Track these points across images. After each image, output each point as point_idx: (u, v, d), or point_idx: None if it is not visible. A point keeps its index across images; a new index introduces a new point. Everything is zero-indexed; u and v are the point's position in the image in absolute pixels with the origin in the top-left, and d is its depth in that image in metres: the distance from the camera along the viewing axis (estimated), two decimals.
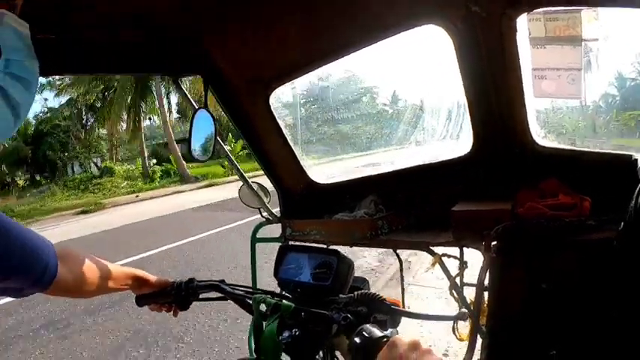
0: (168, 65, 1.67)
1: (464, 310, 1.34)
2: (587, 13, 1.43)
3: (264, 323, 1.28)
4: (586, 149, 1.48)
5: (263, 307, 1.29)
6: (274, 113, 1.84)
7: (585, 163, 1.45)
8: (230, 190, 15.77)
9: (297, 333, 1.26)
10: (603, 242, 1.22)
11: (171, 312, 1.54)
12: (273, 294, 1.37)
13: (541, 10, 1.45)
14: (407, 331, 1.13)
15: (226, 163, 21.91)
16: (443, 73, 1.72)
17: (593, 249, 1.26)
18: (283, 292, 1.53)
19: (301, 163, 1.99)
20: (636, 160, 1.30)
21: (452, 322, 1.42)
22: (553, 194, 1.40)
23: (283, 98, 2.02)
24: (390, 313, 1.23)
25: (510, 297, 1.37)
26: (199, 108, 1.67)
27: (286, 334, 1.27)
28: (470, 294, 1.48)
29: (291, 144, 1.93)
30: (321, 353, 1.37)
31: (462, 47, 1.42)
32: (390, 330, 1.05)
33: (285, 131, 1.90)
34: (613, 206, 1.19)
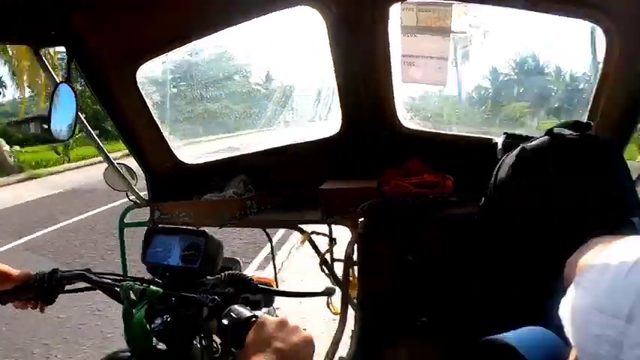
0: (28, 33, 1.43)
1: (330, 285, 1.40)
2: (457, 7, 1.54)
3: (134, 311, 1.20)
4: (449, 132, 1.60)
5: (133, 295, 1.21)
6: (141, 90, 1.69)
7: (449, 145, 1.57)
8: (52, 185, 13.01)
9: (168, 319, 1.20)
10: (465, 217, 1.33)
11: (38, 308, 1.36)
12: (142, 280, 1.29)
13: (414, 0, 1.52)
14: (287, 309, 1.14)
15: (61, 147, 18.86)
16: (315, 55, 1.73)
17: (455, 223, 1.37)
18: (154, 278, 1.44)
19: (169, 143, 1.87)
20: (496, 143, 1.42)
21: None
22: (418, 173, 1.50)
23: (151, 75, 1.87)
24: (258, 293, 1.23)
25: (378, 270, 1.45)
26: (60, 82, 1.47)
27: (158, 321, 1.20)
28: (341, 269, 1.55)
29: (159, 123, 1.80)
30: (198, 338, 1.32)
31: (334, 30, 1.43)
32: (263, 309, 1.04)
33: (152, 110, 1.76)
34: (474, 184, 1.29)
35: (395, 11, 1.49)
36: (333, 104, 1.67)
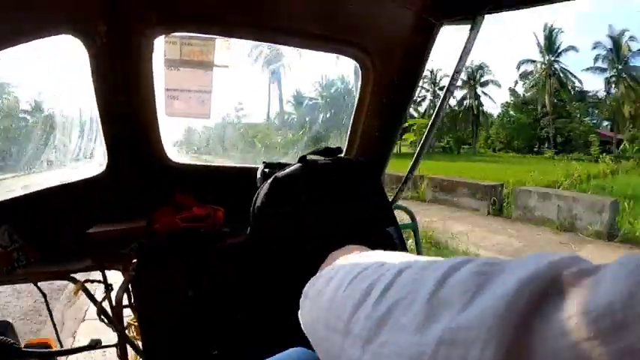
0: None
1: (95, 338, 1.29)
2: (221, 41, 1.58)
3: None
4: (218, 164, 1.62)
5: None
6: None
7: (218, 176, 1.59)
8: None
9: None
10: (237, 246, 1.34)
11: None
12: None
13: (178, 34, 1.52)
14: None
15: None
16: (80, 85, 1.61)
17: (229, 254, 1.38)
18: None
19: None
20: (256, 170, 1.48)
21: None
22: (188, 208, 1.48)
23: None
24: (23, 357, 1.09)
25: (158, 312, 1.39)
26: None
27: None
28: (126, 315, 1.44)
29: None
30: None
31: (98, 61, 1.36)
32: None
33: None
34: (244, 214, 1.32)
35: (159, 44, 1.47)
36: (97, 140, 1.56)
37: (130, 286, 1.39)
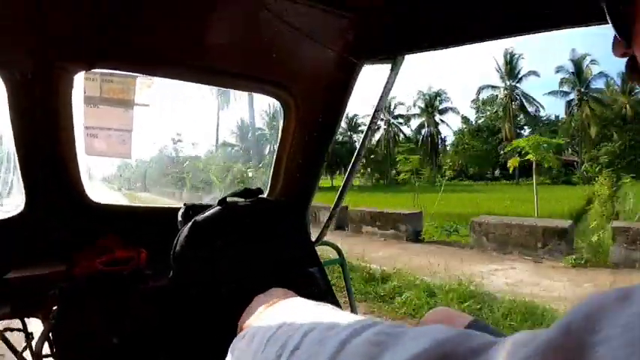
0: None
1: None
2: (142, 80, 1.56)
3: None
4: (140, 204, 1.60)
5: None
6: None
7: (141, 217, 1.57)
8: None
9: None
10: (160, 289, 1.33)
11: None
12: None
13: (98, 70, 1.49)
14: None
15: None
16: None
17: (152, 296, 1.36)
18: None
19: None
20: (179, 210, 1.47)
21: None
22: (110, 250, 1.46)
23: None
24: None
25: (81, 357, 1.36)
26: None
27: None
28: None
29: None
30: None
31: (15, 97, 1.33)
32: None
33: None
34: (168, 255, 1.32)
35: (79, 81, 1.44)
36: (15, 179, 1.51)
37: (50, 334, 1.36)
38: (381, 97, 1.59)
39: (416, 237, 10.86)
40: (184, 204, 1.44)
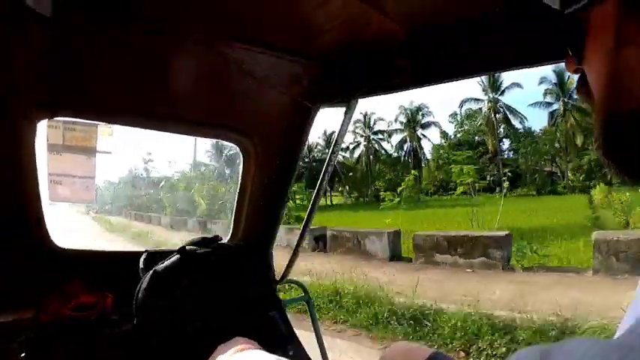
0: None
1: None
2: (102, 128, 1.60)
3: None
4: (106, 249, 1.64)
5: None
6: None
7: (106, 262, 1.60)
8: None
9: None
10: (125, 334, 1.36)
11: None
12: None
13: (61, 119, 1.52)
14: None
15: None
16: None
17: (117, 343, 1.39)
18: None
19: None
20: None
21: None
22: (76, 295, 1.49)
23: None
24: None
25: None
26: None
27: None
28: None
29: None
30: None
31: None
32: None
33: None
34: (133, 299, 1.35)
35: (42, 128, 1.47)
36: None
37: None
38: (337, 139, 1.66)
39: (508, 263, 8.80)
40: (146, 250, 1.49)
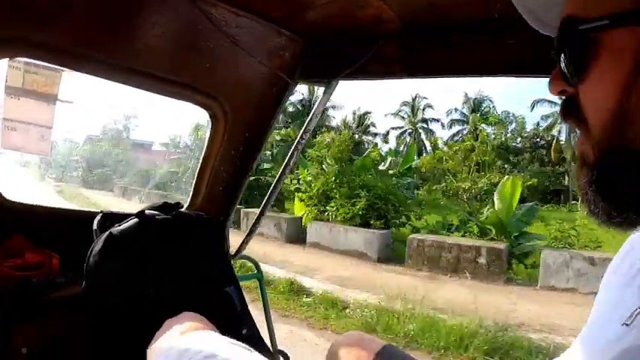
0: None
1: None
2: (67, 74, 1.49)
3: None
4: (53, 206, 1.55)
5: None
6: None
7: (53, 219, 1.51)
8: None
9: None
10: (72, 299, 1.28)
11: None
12: None
13: (23, 59, 1.42)
14: None
15: None
16: None
17: (63, 307, 1.31)
18: None
19: None
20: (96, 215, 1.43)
21: None
22: (20, 252, 1.40)
23: None
24: None
25: None
26: None
27: None
28: None
29: None
30: None
31: None
32: None
33: None
34: (82, 262, 1.29)
35: (2, 67, 1.36)
36: None
37: None
38: (311, 118, 1.63)
39: None
40: (101, 212, 1.41)
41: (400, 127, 46.02)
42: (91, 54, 1.37)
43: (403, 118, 45.89)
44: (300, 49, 1.55)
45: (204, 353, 0.67)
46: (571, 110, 0.50)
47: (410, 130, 44.88)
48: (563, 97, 0.52)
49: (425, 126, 45.13)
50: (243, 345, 0.72)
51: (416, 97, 44.64)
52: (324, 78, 1.58)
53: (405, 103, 45.80)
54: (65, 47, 1.34)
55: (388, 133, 46.83)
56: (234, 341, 0.74)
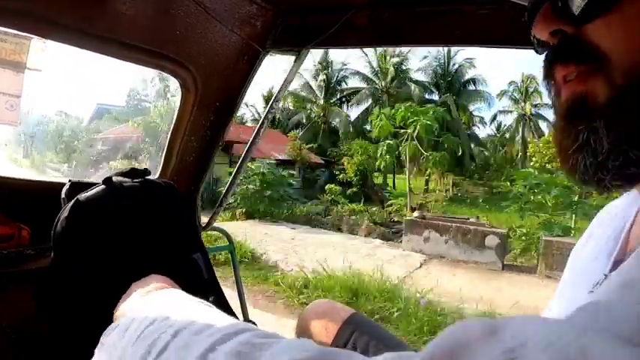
0: None
1: None
2: (36, 42, 1.48)
3: None
4: (23, 177, 1.54)
5: None
6: None
7: (22, 191, 1.50)
8: None
9: None
10: (42, 271, 1.29)
11: None
12: None
13: None
14: None
15: None
16: None
17: (33, 279, 1.32)
18: None
19: None
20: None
21: None
22: None
23: None
24: None
25: None
26: None
27: None
28: None
29: None
30: None
31: None
32: None
33: None
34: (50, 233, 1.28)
35: None
36: None
37: None
38: (281, 87, 1.62)
39: None
40: (69, 180, 1.42)
41: (509, 111, 38.17)
42: (62, 21, 1.35)
43: (516, 101, 37.25)
44: (271, 17, 1.54)
45: (166, 307, 0.69)
46: (568, 52, 0.47)
47: (522, 114, 36.48)
48: (556, 41, 0.49)
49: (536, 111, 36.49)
50: (206, 302, 0.74)
51: (528, 79, 35.46)
52: (294, 47, 1.58)
53: (512, 83, 37.41)
54: (36, 14, 1.32)
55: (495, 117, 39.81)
56: (197, 299, 0.75)
